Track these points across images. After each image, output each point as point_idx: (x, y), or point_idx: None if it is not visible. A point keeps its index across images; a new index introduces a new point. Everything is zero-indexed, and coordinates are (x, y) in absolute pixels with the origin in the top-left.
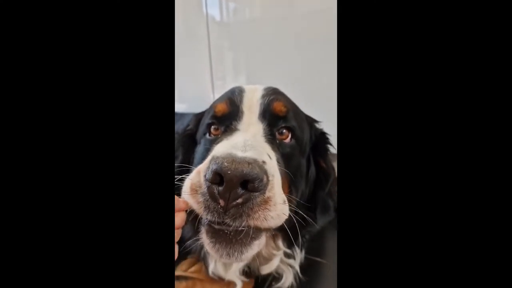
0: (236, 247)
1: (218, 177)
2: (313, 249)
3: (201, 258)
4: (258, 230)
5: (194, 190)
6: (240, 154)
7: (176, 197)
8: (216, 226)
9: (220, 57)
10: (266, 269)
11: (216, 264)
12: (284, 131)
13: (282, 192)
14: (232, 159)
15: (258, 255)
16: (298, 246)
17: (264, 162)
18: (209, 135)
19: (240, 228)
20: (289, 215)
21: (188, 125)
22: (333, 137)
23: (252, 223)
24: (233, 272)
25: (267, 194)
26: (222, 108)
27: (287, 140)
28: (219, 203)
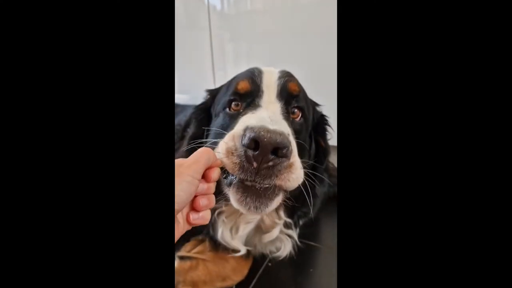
0: (262, 200)
1: (254, 143)
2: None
3: (210, 227)
4: (280, 189)
5: (229, 152)
6: (271, 126)
7: (213, 152)
8: (247, 183)
9: (221, 48)
10: (267, 238)
11: (223, 232)
12: (296, 110)
13: (299, 159)
14: (267, 129)
15: (262, 223)
16: (310, 204)
17: (288, 134)
18: (229, 109)
19: (267, 185)
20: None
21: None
22: (333, 122)
23: (278, 182)
24: (239, 239)
25: (291, 159)
26: (244, 85)
27: (298, 118)
28: (253, 165)
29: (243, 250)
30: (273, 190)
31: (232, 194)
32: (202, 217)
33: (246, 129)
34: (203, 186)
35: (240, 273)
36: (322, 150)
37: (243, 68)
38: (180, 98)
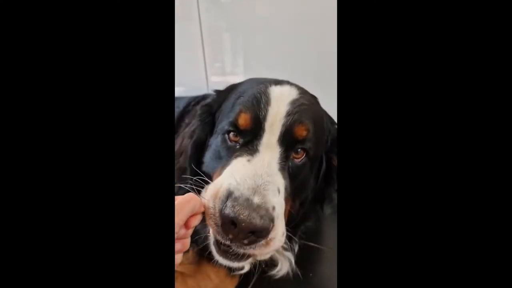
0: (234, 261)
1: (233, 222)
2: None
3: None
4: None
5: (208, 215)
6: (255, 200)
7: (199, 201)
8: (221, 246)
9: (217, 39)
10: (261, 257)
11: None
12: (300, 151)
13: (283, 224)
14: (248, 212)
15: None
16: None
17: (273, 208)
18: (228, 138)
19: (240, 254)
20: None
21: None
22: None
23: (251, 253)
24: None
25: (270, 236)
26: (245, 122)
27: (299, 160)
28: (229, 236)
29: (247, 267)
30: (247, 256)
31: (211, 244)
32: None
33: (229, 196)
34: (182, 231)
35: None
36: (334, 170)
37: (239, 59)
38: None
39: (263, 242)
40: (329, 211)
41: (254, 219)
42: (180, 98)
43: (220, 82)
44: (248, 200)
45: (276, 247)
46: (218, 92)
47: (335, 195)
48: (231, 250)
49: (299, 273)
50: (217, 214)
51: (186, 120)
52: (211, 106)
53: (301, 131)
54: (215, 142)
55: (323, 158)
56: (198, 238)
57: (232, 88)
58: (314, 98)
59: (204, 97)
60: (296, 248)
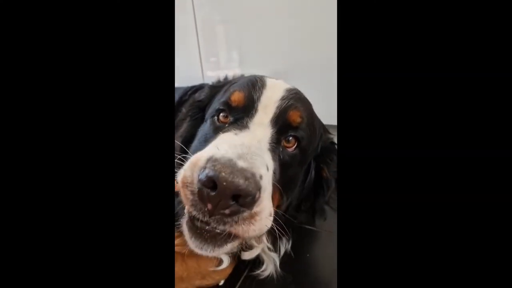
0: (209, 246)
1: (211, 183)
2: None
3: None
4: (235, 236)
5: (185, 184)
6: (240, 163)
7: None
8: (197, 223)
9: (211, 32)
10: (246, 256)
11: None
12: (291, 139)
13: (270, 204)
14: (231, 170)
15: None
16: (282, 245)
17: (261, 176)
18: (217, 119)
19: (218, 231)
20: (277, 218)
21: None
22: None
23: (233, 231)
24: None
25: (255, 209)
26: (238, 98)
27: (291, 149)
28: (207, 206)
29: (225, 262)
30: (225, 237)
31: (183, 227)
32: None
33: (208, 160)
34: None
35: (223, 272)
36: (325, 181)
37: (234, 53)
38: None
39: (247, 214)
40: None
41: (237, 177)
42: (176, 88)
43: (216, 76)
44: (231, 161)
45: (262, 228)
46: (211, 86)
47: (327, 208)
48: (207, 229)
49: (283, 275)
50: (195, 179)
51: (183, 110)
52: (202, 102)
53: (295, 116)
54: (202, 129)
55: (311, 164)
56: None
57: (225, 83)
58: (308, 100)
59: (201, 86)
60: (282, 250)
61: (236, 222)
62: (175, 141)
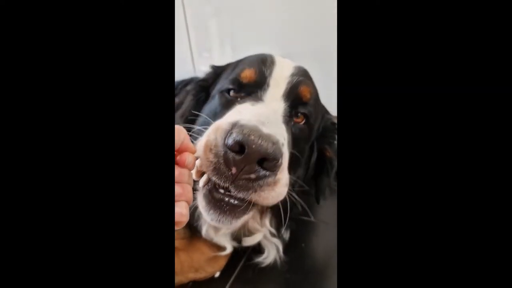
0: (228, 217)
1: (239, 147)
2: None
3: (194, 221)
4: (253, 206)
5: (208, 147)
6: (265, 130)
7: (185, 133)
8: (216, 195)
9: (203, 25)
10: (248, 241)
11: (208, 228)
12: (300, 114)
13: (288, 174)
14: (260, 133)
15: (243, 226)
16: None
17: (283, 144)
18: (229, 95)
19: (235, 202)
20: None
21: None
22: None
23: (254, 198)
24: (223, 236)
25: (278, 175)
26: (249, 75)
27: (301, 123)
28: (231, 170)
29: (229, 248)
30: (244, 208)
31: (199, 200)
32: (177, 213)
33: (234, 125)
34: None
35: (217, 264)
36: (329, 161)
37: (227, 46)
38: None
39: (270, 180)
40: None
41: (266, 142)
42: None
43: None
44: (256, 127)
45: (280, 195)
46: (214, 67)
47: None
48: (226, 200)
49: (286, 261)
50: (220, 144)
51: (177, 100)
52: (206, 80)
53: (305, 92)
54: (209, 105)
55: (314, 145)
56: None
57: (230, 64)
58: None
59: (191, 79)
60: (287, 235)
61: (260, 187)
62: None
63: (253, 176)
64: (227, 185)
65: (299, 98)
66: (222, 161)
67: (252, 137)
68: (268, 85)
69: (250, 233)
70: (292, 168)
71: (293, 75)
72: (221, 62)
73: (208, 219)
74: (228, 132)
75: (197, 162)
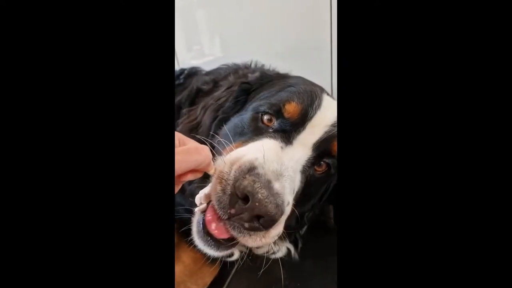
0: (211, 249)
1: (246, 197)
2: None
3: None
4: (240, 244)
5: (219, 178)
6: (276, 187)
7: (210, 158)
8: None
9: (190, 17)
10: (259, 251)
11: None
12: (322, 164)
13: (282, 225)
14: (267, 194)
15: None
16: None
17: (288, 203)
18: (261, 120)
19: (223, 241)
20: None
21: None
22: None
23: (243, 239)
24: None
25: (270, 230)
26: (293, 111)
27: (320, 172)
28: (230, 210)
29: (236, 254)
30: (231, 245)
31: (194, 221)
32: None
33: (252, 170)
34: None
35: (201, 281)
36: None
37: (216, 38)
38: None
39: (262, 232)
40: None
41: (270, 204)
42: None
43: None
44: (269, 183)
45: (268, 242)
46: (263, 73)
47: None
48: (211, 241)
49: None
50: (231, 182)
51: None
52: (251, 85)
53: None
54: (240, 118)
55: (332, 183)
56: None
57: (279, 76)
58: None
59: (195, 70)
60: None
61: (249, 234)
62: (206, 121)
63: (246, 225)
64: (224, 217)
65: (329, 151)
66: (227, 199)
67: (260, 195)
68: (304, 128)
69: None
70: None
71: (333, 125)
72: (212, 54)
73: (196, 241)
74: (243, 175)
75: (207, 188)
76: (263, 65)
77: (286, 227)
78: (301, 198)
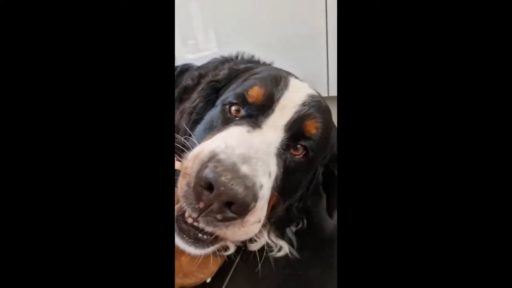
0: (190, 247)
1: (209, 184)
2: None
3: None
4: (221, 239)
5: (183, 173)
6: (243, 169)
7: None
8: (182, 224)
9: (185, 11)
10: (252, 247)
11: None
12: (299, 147)
13: (263, 212)
14: (232, 176)
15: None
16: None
17: (261, 186)
18: (229, 111)
19: (199, 235)
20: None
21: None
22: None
23: (221, 234)
24: None
25: (247, 218)
26: (256, 95)
27: (298, 156)
28: (199, 204)
29: (232, 248)
30: (212, 240)
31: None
32: None
33: (212, 158)
34: None
35: (208, 270)
36: (336, 181)
37: (210, 31)
38: None
39: (237, 221)
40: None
41: (237, 185)
42: None
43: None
44: (234, 165)
45: (250, 234)
46: (230, 68)
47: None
48: (191, 233)
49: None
50: (193, 174)
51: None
52: (219, 82)
53: (311, 127)
54: (210, 114)
55: (318, 169)
56: None
57: (247, 69)
58: (329, 109)
59: (188, 67)
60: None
61: (225, 225)
62: (182, 124)
63: (219, 216)
64: (195, 216)
65: (302, 131)
66: (192, 192)
67: (223, 178)
68: (272, 111)
69: (251, 241)
70: (283, 198)
71: (303, 104)
72: (206, 50)
73: (177, 241)
74: (204, 164)
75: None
76: (252, 56)
77: (276, 221)
78: (285, 187)
